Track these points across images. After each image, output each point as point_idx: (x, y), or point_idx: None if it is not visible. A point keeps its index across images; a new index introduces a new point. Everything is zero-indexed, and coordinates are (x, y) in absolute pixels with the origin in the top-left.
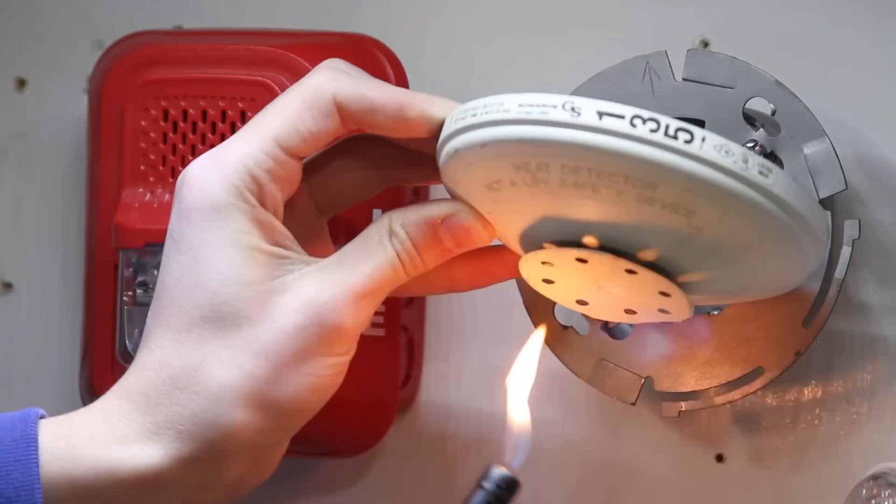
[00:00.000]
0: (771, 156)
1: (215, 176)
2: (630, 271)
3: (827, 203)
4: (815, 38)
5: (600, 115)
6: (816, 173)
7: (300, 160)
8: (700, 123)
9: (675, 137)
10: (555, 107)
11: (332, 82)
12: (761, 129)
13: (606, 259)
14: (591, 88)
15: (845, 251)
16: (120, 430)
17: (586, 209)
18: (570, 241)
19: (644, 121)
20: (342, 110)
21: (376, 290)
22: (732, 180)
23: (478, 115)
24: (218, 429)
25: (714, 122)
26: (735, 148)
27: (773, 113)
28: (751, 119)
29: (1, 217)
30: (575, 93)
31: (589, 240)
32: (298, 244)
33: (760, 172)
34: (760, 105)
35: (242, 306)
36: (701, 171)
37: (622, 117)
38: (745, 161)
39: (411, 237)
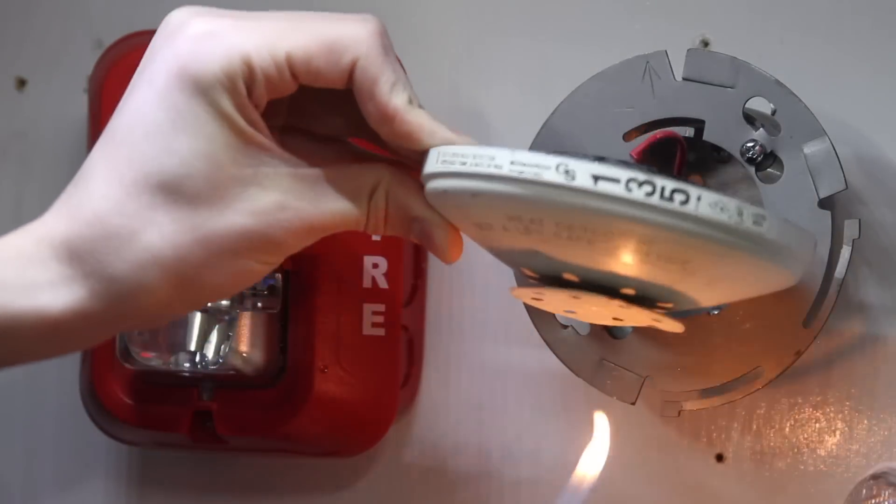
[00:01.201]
0: (771, 155)
1: (221, 49)
2: (623, 307)
3: (827, 202)
4: (815, 38)
5: (595, 179)
6: (816, 173)
7: (297, 83)
8: (700, 123)
9: (671, 199)
10: (548, 168)
11: (363, 45)
12: (761, 129)
13: (601, 299)
14: (591, 88)
15: (845, 251)
16: (31, 277)
17: (579, 257)
18: (552, 275)
19: (640, 184)
20: (351, 77)
21: (330, 229)
22: (729, 235)
23: (468, 164)
24: (132, 295)
25: (714, 121)
26: (729, 203)
27: (774, 113)
28: (751, 119)
29: (1, 217)
30: (575, 92)
31: (570, 276)
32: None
33: (755, 223)
34: (760, 105)
35: (206, 187)
36: (698, 230)
37: (618, 181)
38: (740, 214)
39: (388, 208)
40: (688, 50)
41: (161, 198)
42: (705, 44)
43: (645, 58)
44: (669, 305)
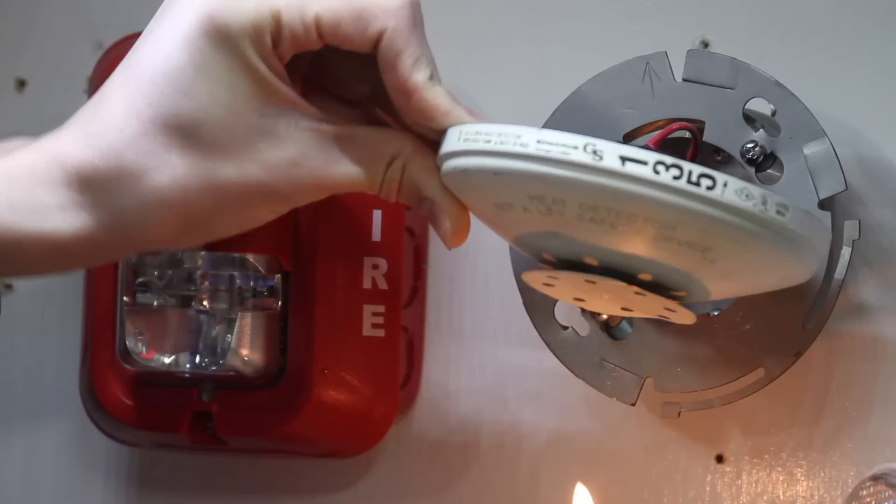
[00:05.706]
0: (771, 156)
1: (251, 1)
2: (638, 293)
3: (827, 204)
4: (814, 39)
5: (623, 160)
6: (816, 174)
7: (323, 43)
8: (700, 124)
9: (698, 184)
10: (576, 148)
11: (392, 17)
12: (761, 130)
13: (616, 284)
14: (591, 89)
15: (845, 252)
16: (41, 199)
17: (600, 240)
18: (572, 259)
19: (667, 167)
20: (375, 47)
21: (342, 189)
22: (753, 224)
23: (492, 142)
24: (138, 229)
25: (714, 122)
26: (755, 191)
27: (773, 113)
28: (751, 119)
29: None
30: (575, 93)
31: (591, 260)
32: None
33: (778, 212)
34: (760, 105)
35: (222, 135)
36: (723, 216)
37: (645, 163)
38: (765, 203)
39: (402, 182)
40: (688, 51)
41: (177, 140)
42: (705, 45)
43: (645, 59)
44: (683, 294)
